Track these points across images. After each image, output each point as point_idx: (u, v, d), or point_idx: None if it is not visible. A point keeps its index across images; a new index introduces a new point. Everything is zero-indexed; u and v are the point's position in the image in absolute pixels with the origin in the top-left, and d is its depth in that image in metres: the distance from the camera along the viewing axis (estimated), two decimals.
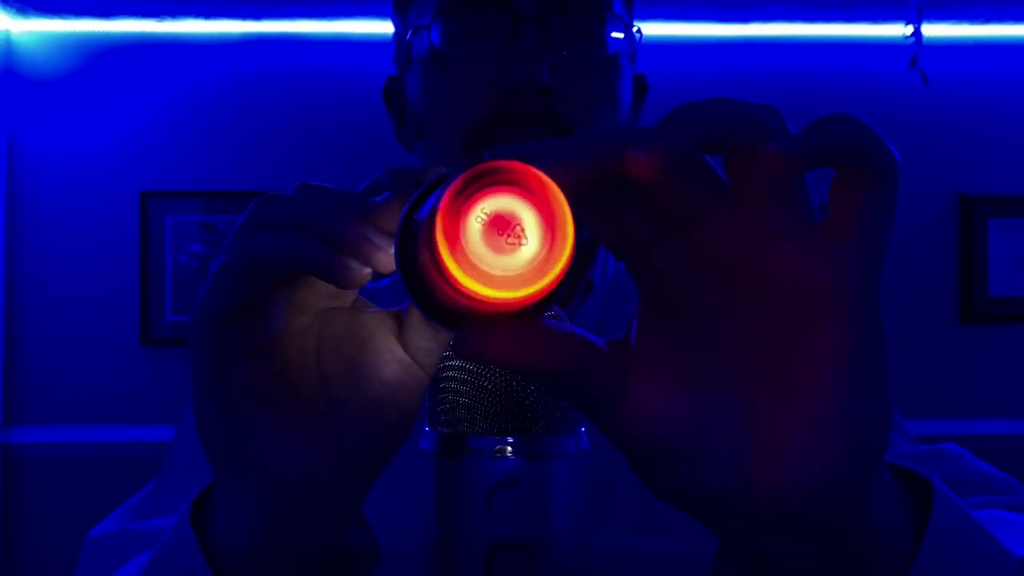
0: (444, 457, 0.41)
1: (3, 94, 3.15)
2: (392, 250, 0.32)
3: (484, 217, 0.27)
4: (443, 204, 0.26)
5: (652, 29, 3.15)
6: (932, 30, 3.02)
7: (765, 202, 0.30)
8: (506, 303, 0.27)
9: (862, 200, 0.32)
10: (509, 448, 0.40)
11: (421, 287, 0.30)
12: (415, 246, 0.29)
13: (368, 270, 0.33)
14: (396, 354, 0.36)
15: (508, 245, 0.27)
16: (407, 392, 0.36)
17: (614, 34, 0.74)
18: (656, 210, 0.29)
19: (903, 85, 2.64)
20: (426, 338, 0.36)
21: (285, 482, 0.35)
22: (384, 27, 3.61)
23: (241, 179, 3.18)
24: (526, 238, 0.27)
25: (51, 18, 3.11)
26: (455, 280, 0.27)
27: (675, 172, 0.28)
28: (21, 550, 3.13)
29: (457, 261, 0.27)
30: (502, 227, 0.27)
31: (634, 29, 0.76)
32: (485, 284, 0.27)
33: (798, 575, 0.31)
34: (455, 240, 0.27)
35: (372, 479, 0.39)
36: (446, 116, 0.72)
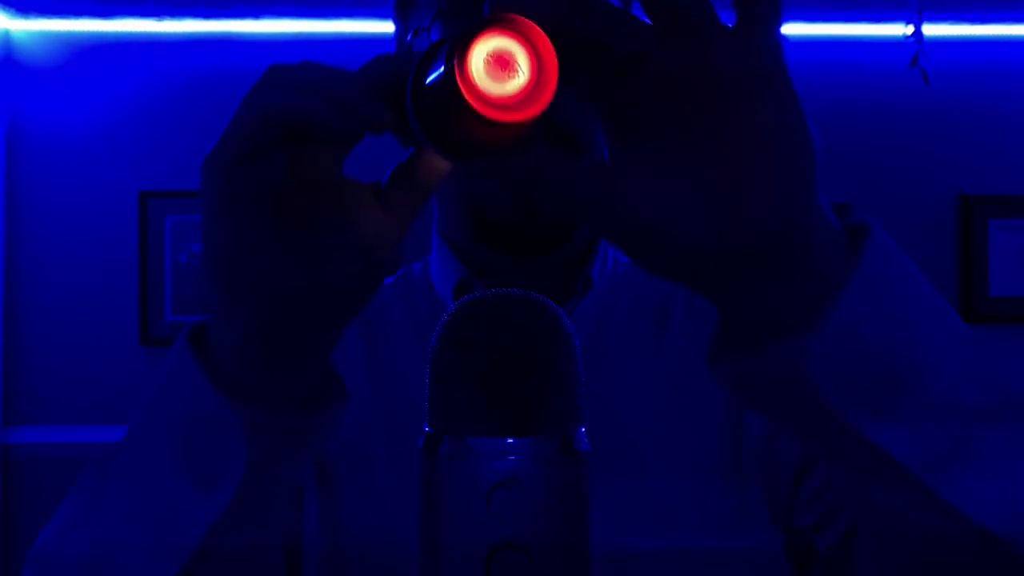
0: (444, 457, 0.41)
1: (3, 94, 3.15)
2: (385, 106, 0.40)
3: (487, 55, 0.34)
4: (456, 54, 0.34)
5: None
6: (932, 29, 3.02)
7: (690, 28, 0.38)
8: (509, 123, 0.34)
9: (759, 5, 0.39)
10: (509, 448, 0.40)
11: (437, 124, 0.36)
12: (431, 91, 0.36)
13: (362, 126, 0.40)
14: (373, 212, 0.43)
15: (507, 76, 0.34)
16: (381, 243, 0.44)
17: None
18: (614, 58, 0.38)
19: (904, 84, 2.64)
20: (403, 197, 0.44)
21: (273, 295, 0.42)
22: (383, 27, 3.61)
23: None
24: (521, 71, 0.35)
25: (50, 18, 3.11)
26: (472, 110, 0.33)
27: (616, 20, 0.37)
28: (21, 550, 3.13)
29: (470, 94, 0.34)
30: (501, 63, 0.34)
31: None
32: (491, 107, 0.34)
33: (764, 312, 0.40)
34: (468, 79, 0.34)
35: (346, 317, 0.46)
36: None
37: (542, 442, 0.40)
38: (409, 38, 0.76)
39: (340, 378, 0.50)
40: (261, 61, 2.40)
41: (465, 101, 0.34)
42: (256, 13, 3.06)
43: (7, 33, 3.16)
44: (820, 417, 0.41)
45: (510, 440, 0.40)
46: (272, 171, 0.41)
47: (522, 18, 0.35)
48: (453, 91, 0.34)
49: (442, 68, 0.35)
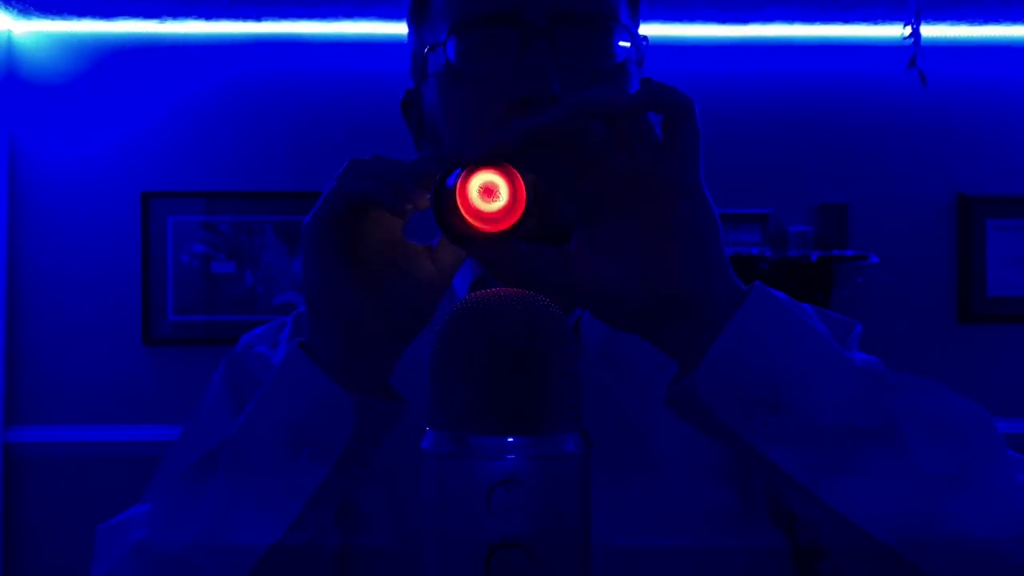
0: (444, 456, 0.41)
1: (5, 95, 3.15)
2: (427, 195, 0.55)
3: (479, 186, 0.51)
4: (460, 181, 0.51)
5: (652, 30, 3.14)
6: (930, 31, 3.02)
7: (631, 144, 0.52)
8: (492, 231, 0.52)
9: (677, 129, 0.54)
10: (509, 447, 0.40)
11: (447, 222, 0.53)
12: (444, 200, 0.52)
13: (410, 206, 0.55)
14: (426, 265, 0.60)
15: (492, 200, 0.51)
16: (433, 287, 0.60)
17: (621, 43, 0.76)
18: (577, 162, 0.53)
19: (902, 86, 2.64)
20: (448, 256, 0.60)
21: (351, 322, 0.57)
22: (384, 28, 3.62)
23: (242, 179, 3.19)
24: (500, 197, 0.51)
25: (53, 19, 3.12)
26: (466, 220, 0.51)
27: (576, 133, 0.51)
28: (21, 549, 3.14)
29: (466, 210, 0.51)
30: (488, 191, 0.51)
31: (642, 37, 0.77)
32: (481, 222, 0.51)
33: (681, 351, 0.54)
34: (465, 199, 0.51)
35: (403, 341, 0.60)
36: (462, 129, 0.74)
37: (542, 441, 0.41)
38: (425, 51, 0.77)
39: (393, 386, 0.62)
40: (263, 62, 2.42)
41: (461, 214, 0.51)
42: (258, 15, 3.07)
43: (10, 34, 3.17)
44: (727, 436, 0.53)
45: (510, 439, 0.40)
46: (351, 233, 0.56)
47: (507, 165, 0.51)
48: (454, 206, 0.51)
49: (449, 188, 0.51)
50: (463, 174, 0.51)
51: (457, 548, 0.41)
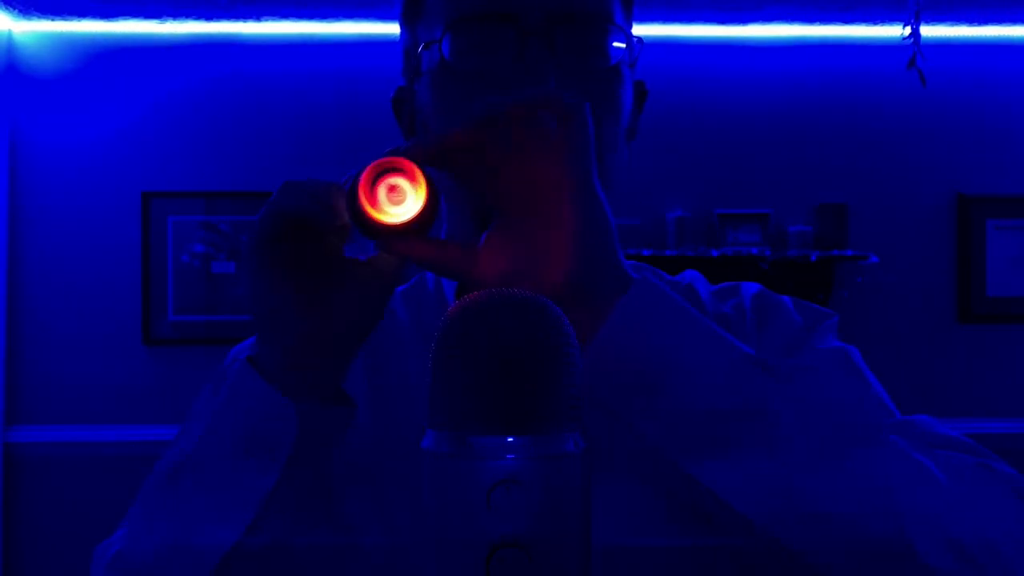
0: (444, 456, 0.41)
1: (5, 95, 3.15)
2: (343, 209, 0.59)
3: (379, 181, 0.56)
4: (361, 178, 0.56)
5: (652, 30, 3.16)
6: (930, 31, 3.02)
7: (528, 145, 0.56)
8: (398, 225, 0.57)
9: (568, 132, 0.55)
10: (509, 447, 0.40)
11: (357, 218, 0.58)
12: (352, 197, 0.57)
13: (340, 221, 0.58)
14: (367, 275, 0.61)
15: (398, 199, 0.56)
16: (374, 296, 0.62)
17: (616, 44, 0.76)
18: (488, 166, 0.57)
19: (901, 86, 2.64)
20: (386, 265, 0.62)
21: (294, 334, 0.60)
22: (384, 28, 3.62)
23: (242, 179, 3.19)
24: (405, 195, 0.56)
25: (53, 19, 3.12)
26: (374, 218, 0.57)
27: (481, 140, 0.56)
28: (21, 549, 3.14)
29: (369, 204, 0.56)
30: (391, 187, 0.56)
31: (635, 38, 0.77)
32: (388, 218, 0.56)
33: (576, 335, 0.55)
34: (374, 201, 0.56)
35: (352, 349, 0.63)
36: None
37: (542, 441, 0.41)
38: (420, 50, 0.77)
39: (345, 391, 0.65)
40: (263, 62, 2.42)
41: (365, 209, 0.57)
42: (258, 15, 3.07)
43: (10, 34, 3.17)
44: (612, 415, 0.57)
45: (510, 439, 0.40)
46: (289, 250, 0.59)
47: (407, 162, 0.56)
48: (357, 201, 0.57)
49: (357, 192, 0.56)
50: (365, 172, 0.56)
51: (457, 548, 0.41)
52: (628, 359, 0.55)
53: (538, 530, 0.40)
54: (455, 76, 0.74)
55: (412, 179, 0.56)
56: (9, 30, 3.15)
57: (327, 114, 3.16)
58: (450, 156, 0.56)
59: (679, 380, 0.55)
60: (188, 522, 0.62)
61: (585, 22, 0.74)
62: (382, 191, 0.56)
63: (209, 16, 3.07)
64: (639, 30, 0.80)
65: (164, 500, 0.65)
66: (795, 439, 0.55)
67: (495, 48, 0.72)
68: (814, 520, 0.54)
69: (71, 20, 3.11)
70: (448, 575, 0.41)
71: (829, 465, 0.55)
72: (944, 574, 0.54)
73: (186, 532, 0.62)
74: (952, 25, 3.15)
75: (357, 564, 0.71)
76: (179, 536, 0.62)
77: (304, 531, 0.63)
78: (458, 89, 0.74)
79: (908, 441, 0.60)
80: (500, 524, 0.40)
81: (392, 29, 0.86)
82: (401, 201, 0.56)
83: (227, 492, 0.61)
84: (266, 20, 3.11)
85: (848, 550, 0.54)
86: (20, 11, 3.04)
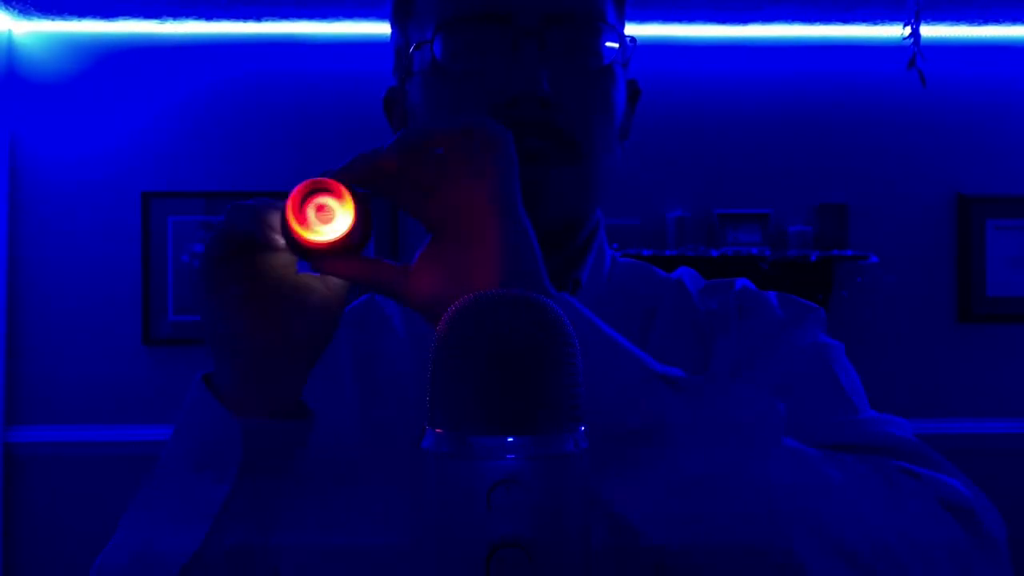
0: (444, 456, 0.41)
1: (5, 95, 3.15)
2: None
3: (315, 207, 0.57)
4: (290, 199, 0.57)
5: (653, 30, 3.16)
6: (930, 31, 3.02)
7: (455, 170, 0.58)
8: (328, 244, 0.57)
9: (490, 158, 0.58)
10: (509, 447, 0.40)
11: (288, 238, 0.59)
12: (284, 218, 0.58)
13: (280, 240, 0.60)
14: (319, 292, 0.63)
15: (326, 219, 0.57)
16: (326, 312, 0.64)
17: (608, 43, 0.76)
18: (418, 189, 0.60)
19: (901, 86, 2.64)
20: (336, 282, 0.64)
21: (244, 353, 0.62)
22: (384, 29, 3.61)
23: (242, 179, 3.19)
24: (333, 215, 0.57)
25: (53, 19, 3.12)
26: (302, 237, 0.57)
27: (408, 165, 0.58)
28: (21, 549, 3.14)
29: (304, 228, 0.57)
30: (322, 210, 0.57)
31: (628, 37, 0.77)
32: (316, 237, 0.57)
33: None
34: (303, 220, 0.57)
35: (306, 364, 0.65)
36: None
37: (542, 441, 0.41)
38: (412, 50, 0.77)
39: (305, 403, 0.67)
40: (262, 62, 2.42)
41: (294, 229, 0.58)
42: (258, 15, 3.07)
43: (10, 34, 3.17)
44: None
45: (510, 439, 0.40)
46: (239, 271, 0.61)
47: (335, 182, 0.57)
48: (291, 226, 0.58)
49: (287, 213, 0.58)
50: (294, 191, 0.57)
51: (457, 548, 0.41)
52: None
53: (538, 530, 0.40)
54: (447, 77, 0.74)
55: (340, 199, 0.57)
56: (9, 30, 3.15)
57: (327, 114, 3.16)
58: (381, 179, 0.59)
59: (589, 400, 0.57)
60: (154, 533, 0.65)
61: (578, 22, 0.74)
62: (311, 211, 0.57)
63: (209, 16, 3.07)
64: (640, 30, 0.80)
65: (137, 513, 0.68)
66: (691, 459, 0.56)
67: (488, 48, 0.72)
68: (700, 532, 0.55)
69: (71, 20, 3.11)
70: (448, 575, 0.41)
71: (718, 477, 0.55)
72: None
73: (151, 543, 0.64)
74: (952, 25, 3.15)
75: (357, 564, 0.71)
76: (146, 547, 0.65)
77: (263, 538, 0.66)
78: (450, 90, 0.74)
79: (820, 448, 0.61)
80: (500, 524, 0.40)
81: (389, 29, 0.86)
82: (329, 221, 0.58)
83: (186, 504, 0.64)
84: (266, 20, 3.11)
85: (733, 560, 0.55)
86: (20, 11, 3.04)
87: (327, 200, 0.57)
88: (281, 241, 0.60)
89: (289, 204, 0.57)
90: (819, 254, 3.05)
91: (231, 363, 0.63)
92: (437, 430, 0.42)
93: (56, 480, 3.13)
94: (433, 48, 0.73)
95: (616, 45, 0.76)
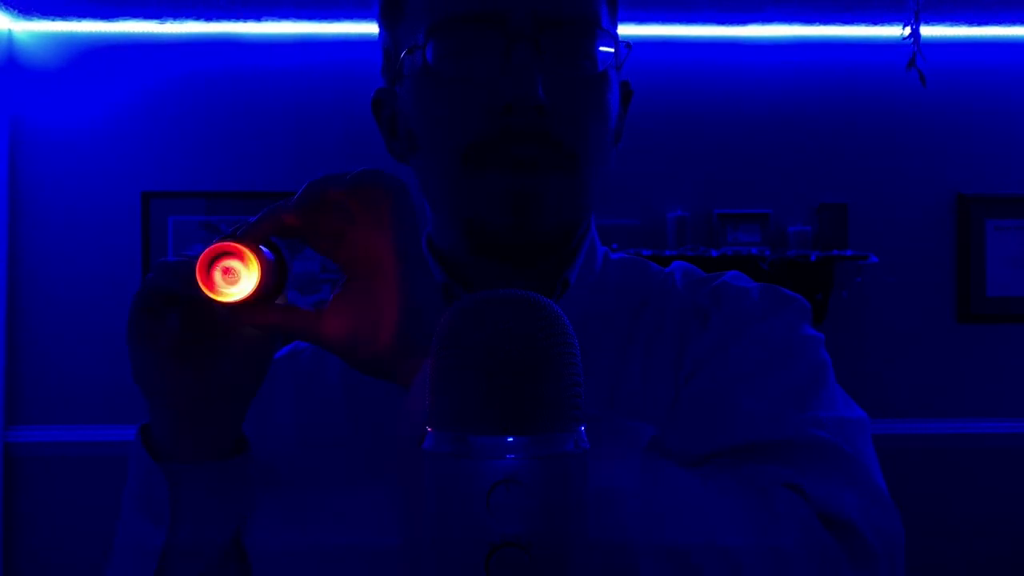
0: (444, 456, 0.41)
1: (6, 95, 3.15)
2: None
3: (220, 270, 0.60)
4: (197, 265, 0.60)
5: (653, 30, 3.16)
6: (930, 31, 3.02)
7: (362, 221, 0.61)
8: (237, 302, 0.60)
9: (388, 209, 0.60)
10: (509, 447, 0.41)
11: (204, 297, 0.62)
12: (198, 287, 0.62)
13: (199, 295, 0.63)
14: (246, 336, 0.66)
15: (232, 280, 0.61)
16: (254, 355, 0.67)
17: (603, 48, 0.74)
18: (331, 238, 0.63)
19: (901, 86, 2.64)
20: (264, 327, 0.66)
21: (175, 402, 0.66)
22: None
23: (242, 179, 3.19)
24: (239, 276, 0.60)
25: (53, 19, 3.12)
26: (212, 297, 0.60)
27: (312, 218, 0.61)
28: (21, 549, 3.14)
29: (213, 291, 0.60)
30: (228, 272, 0.60)
31: (623, 42, 0.76)
32: (226, 297, 0.60)
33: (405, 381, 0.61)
34: (210, 283, 0.60)
35: (238, 408, 0.68)
36: (442, 134, 0.72)
37: (542, 441, 0.41)
38: (403, 55, 0.76)
39: (245, 439, 0.71)
40: (263, 62, 2.42)
41: (211, 297, 0.61)
42: (257, 15, 3.07)
43: (10, 34, 3.17)
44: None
45: (510, 439, 0.40)
46: (163, 323, 0.65)
47: (236, 246, 0.61)
48: (202, 289, 0.61)
49: (197, 277, 0.61)
50: (199, 258, 0.61)
51: (457, 548, 0.41)
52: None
53: (538, 530, 0.40)
54: (440, 81, 0.72)
55: (244, 262, 0.61)
56: (9, 30, 3.15)
57: (327, 114, 3.16)
58: (290, 232, 0.63)
59: None
60: (108, 569, 0.70)
61: (572, 26, 0.72)
62: (217, 274, 0.61)
63: (209, 16, 3.07)
64: (640, 30, 0.80)
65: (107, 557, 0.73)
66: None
67: (480, 52, 0.71)
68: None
69: (71, 20, 3.12)
70: (448, 575, 0.41)
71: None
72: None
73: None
74: (952, 25, 3.15)
75: (358, 564, 0.71)
76: None
77: (208, 566, 0.69)
78: (443, 95, 0.73)
79: (741, 444, 0.64)
80: (500, 524, 0.40)
81: None
82: (236, 281, 0.61)
83: (131, 550, 0.68)
84: (266, 20, 3.11)
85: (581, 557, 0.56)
86: (20, 11, 3.04)
87: (232, 263, 0.61)
88: (198, 296, 0.63)
89: (197, 269, 0.61)
90: (819, 254, 3.05)
91: (163, 412, 0.67)
92: (437, 430, 0.42)
93: (56, 480, 3.13)
94: (425, 52, 0.72)
95: (611, 49, 0.75)
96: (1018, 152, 3.26)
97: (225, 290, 0.61)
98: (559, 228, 0.74)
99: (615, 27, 0.78)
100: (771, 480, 0.62)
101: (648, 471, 0.58)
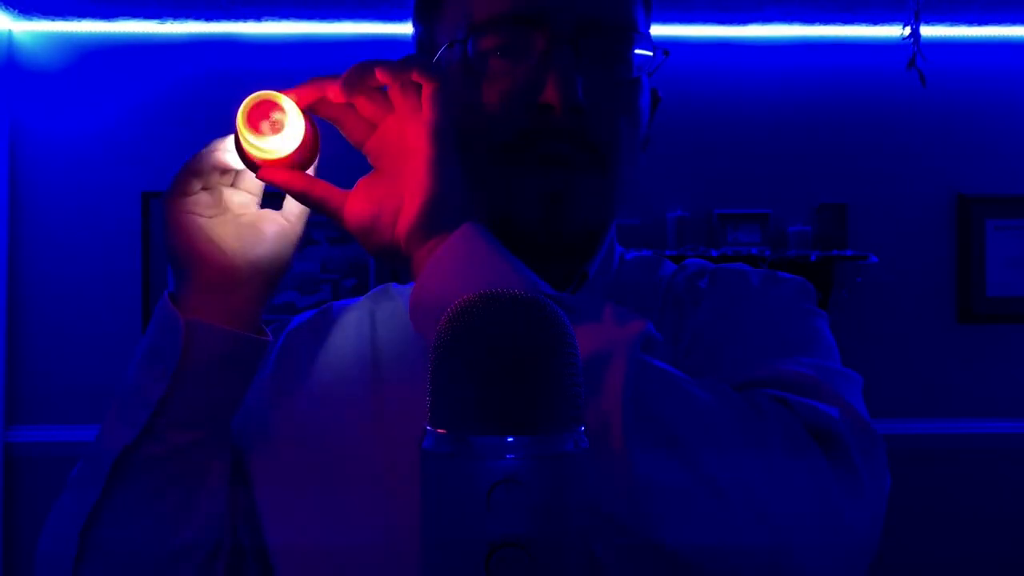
0: (444, 456, 0.41)
1: (6, 96, 3.15)
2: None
3: (266, 121, 0.61)
4: (243, 111, 0.61)
5: (653, 30, 3.13)
6: (930, 31, 3.02)
7: (399, 108, 0.64)
8: (273, 160, 0.62)
9: (428, 95, 0.63)
10: (509, 447, 0.41)
11: (242, 153, 0.65)
12: (238, 135, 0.64)
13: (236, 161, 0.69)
14: (278, 222, 0.71)
15: (276, 133, 0.62)
16: (284, 238, 0.71)
17: (639, 51, 0.76)
18: (365, 123, 0.66)
19: (901, 86, 2.64)
20: (293, 215, 0.71)
21: (207, 273, 0.68)
22: (384, 28, 3.60)
23: None
24: (283, 130, 0.61)
25: (53, 20, 3.12)
26: (251, 147, 0.62)
27: (353, 97, 0.65)
28: (21, 550, 3.14)
29: (255, 137, 0.61)
30: (272, 124, 0.61)
31: (660, 48, 0.78)
32: (266, 147, 0.61)
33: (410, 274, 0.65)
34: (253, 131, 0.60)
35: (264, 286, 0.71)
36: (480, 130, 0.73)
37: (542, 441, 0.41)
38: (441, 50, 0.76)
39: (264, 330, 0.73)
40: (263, 63, 2.42)
41: (243, 140, 0.62)
42: (258, 15, 3.07)
43: (10, 34, 3.17)
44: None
45: (510, 439, 0.41)
46: (207, 196, 0.69)
47: (287, 99, 0.61)
48: (241, 136, 0.62)
49: (240, 120, 0.62)
50: (244, 105, 0.60)
51: (457, 548, 0.41)
52: (439, 294, 0.61)
53: (538, 530, 0.40)
54: (479, 79, 0.73)
55: (290, 116, 0.61)
56: (9, 30, 3.15)
57: None
58: (328, 106, 0.65)
59: None
60: (101, 430, 0.72)
61: (611, 30, 0.74)
62: (263, 124, 0.61)
63: (209, 16, 3.07)
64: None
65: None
66: (641, 460, 0.56)
67: (521, 52, 0.72)
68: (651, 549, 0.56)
69: (71, 21, 3.11)
70: (448, 575, 0.41)
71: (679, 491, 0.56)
72: (692, 497, 0.56)
73: (98, 440, 0.72)
74: (952, 25, 3.15)
75: (358, 563, 0.72)
76: (95, 443, 0.72)
77: (194, 440, 0.69)
78: (482, 93, 0.73)
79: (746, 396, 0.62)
80: (500, 524, 0.40)
81: (393, 29, 0.86)
82: (279, 135, 0.61)
83: (130, 401, 0.69)
84: (266, 20, 3.12)
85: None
86: (20, 11, 3.04)
87: (278, 115, 0.61)
88: (238, 162, 0.66)
89: (243, 115, 0.61)
90: (819, 254, 3.05)
91: (190, 283, 0.68)
92: (437, 430, 0.42)
93: (56, 480, 3.12)
94: (466, 47, 0.73)
95: (649, 53, 0.76)
96: (1018, 152, 3.26)
97: (267, 141, 0.61)
98: (587, 227, 0.75)
99: (649, 31, 0.80)
100: (760, 396, 0.63)
101: (660, 377, 0.59)
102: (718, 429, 0.58)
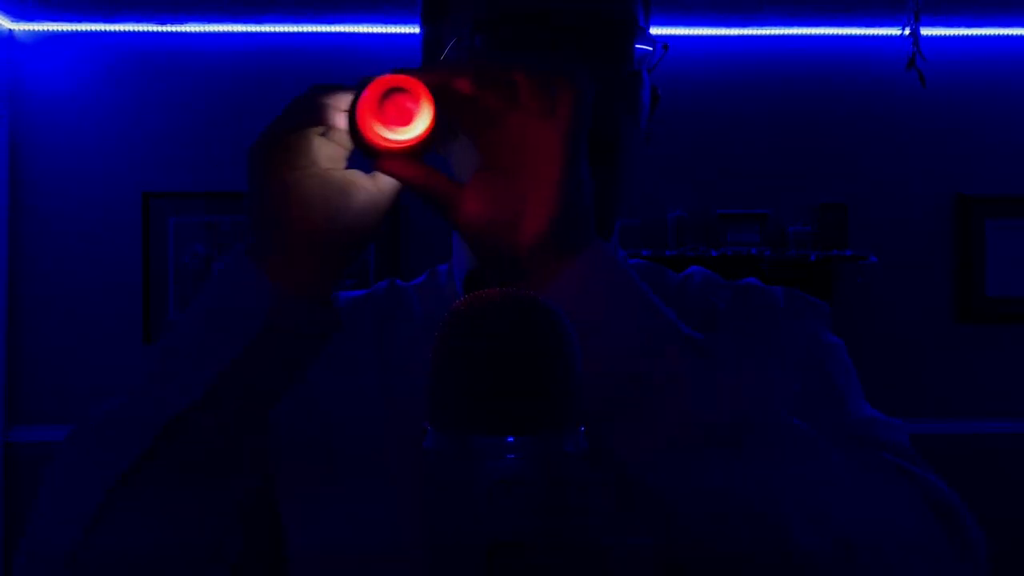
0: (445, 456, 0.42)
1: (5, 96, 3.15)
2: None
3: (392, 105, 0.56)
4: (366, 93, 0.57)
5: (653, 30, 3.13)
6: (930, 32, 3.02)
7: (529, 106, 0.59)
8: (396, 145, 0.57)
9: (565, 99, 0.58)
10: (509, 447, 0.41)
11: (356, 133, 0.59)
12: (353, 112, 0.58)
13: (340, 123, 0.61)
14: (368, 188, 0.64)
15: (401, 119, 0.56)
16: (373, 207, 0.64)
17: (640, 45, 0.77)
18: (488, 116, 0.60)
19: (901, 87, 2.64)
20: (386, 181, 0.64)
21: (291, 237, 0.62)
22: (384, 29, 3.60)
23: (243, 180, 3.17)
24: (409, 116, 0.56)
25: (54, 21, 3.12)
26: (373, 134, 0.57)
27: (482, 89, 0.59)
28: None
29: (378, 124, 0.57)
30: (399, 110, 0.56)
31: (660, 43, 0.78)
32: (388, 135, 0.57)
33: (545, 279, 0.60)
34: (378, 117, 0.56)
35: (346, 255, 0.64)
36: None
37: (542, 441, 0.41)
38: (448, 48, 0.77)
39: (337, 314, 0.66)
40: (263, 63, 2.42)
41: (364, 125, 0.57)
42: (258, 15, 3.07)
43: (10, 34, 3.17)
44: None
45: (510, 439, 0.41)
46: (298, 153, 0.62)
47: (417, 83, 0.56)
48: (363, 122, 0.57)
49: (358, 107, 0.57)
50: (370, 87, 0.56)
51: (457, 548, 0.41)
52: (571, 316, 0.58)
53: (538, 530, 0.40)
54: None
55: (418, 101, 0.56)
56: (10, 31, 3.15)
57: None
58: (452, 94, 0.59)
59: (601, 343, 0.56)
60: (148, 390, 0.64)
61: (613, 25, 0.75)
62: (388, 109, 0.56)
63: (209, 16, 3.07)
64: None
65: (147, 368, 0.66)
66: (699, 407, 0.56)
67: (525, 47, 0.73)
68: (695, 481, 0.55)
69: (71, 21, 3.12)
70: (448, 575, 0.41)
71: (722, 432, 0.56)
72: (819, 558, 0.54)
73: (145, 400, 0.64)
74: (952, 26, 3.15)
75: (359, 563, 0.72)
76: (139, 401, 0.64)
77: (257, 410, 0.65)
78: None
79: (827, 438, 0.61)
80: (500, 524, 0.40)
81: (392, 29, 0.86)
82: (404, 121, 0.56)
83: (187, 364, 0.63)
84: (267, 22, 3.12)
85: (723, 513, 0.55)
86: (20, 12, 3.04)
87: (405, 101, 0.56)
88: (341, 124, 0.59)
89: (366, 100, 0.55)
90: (818, 254, 3.05)
91: (272, 239, 0.62)
92: (437, 430, 0.42)
93: None
94: (474, 43, 0.74)
95: (650, 49, 0.77)
96: (1018, 152, 3.26)
97: (390, 128, 0.56)
98: (606, 218, 0.75)
99: (648, 27, 0.80)
100: (883, 462, 0.63)
101: (800, 435, 0.59)
102: (854, 494, 0.58)
